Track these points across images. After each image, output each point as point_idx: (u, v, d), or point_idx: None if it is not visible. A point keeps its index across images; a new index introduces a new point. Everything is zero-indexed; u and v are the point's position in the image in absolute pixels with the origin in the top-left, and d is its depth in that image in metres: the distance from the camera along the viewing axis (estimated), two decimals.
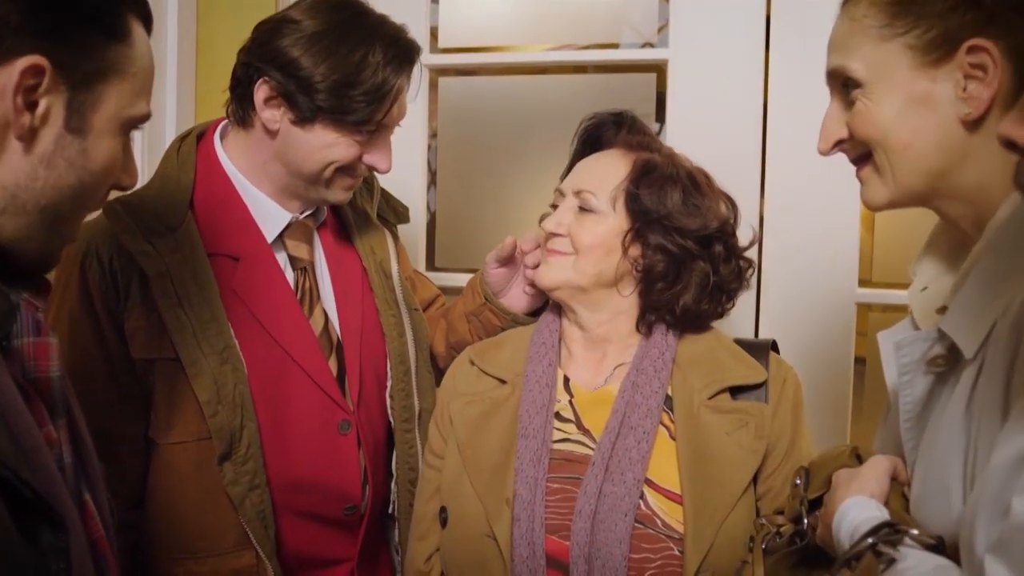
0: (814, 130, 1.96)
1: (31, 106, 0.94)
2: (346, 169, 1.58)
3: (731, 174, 1.99)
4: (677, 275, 1.50)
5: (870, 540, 1.06)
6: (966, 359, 1.08)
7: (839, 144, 1.23)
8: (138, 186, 1.17)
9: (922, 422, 1.17)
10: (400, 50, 1.53)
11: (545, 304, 1.69)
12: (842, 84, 1.20)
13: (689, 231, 1.50)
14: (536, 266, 1.64)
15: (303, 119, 1.52)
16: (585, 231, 1.50)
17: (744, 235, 1.60)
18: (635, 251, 1.51)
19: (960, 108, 1.10)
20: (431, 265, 2.44)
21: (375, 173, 1.84)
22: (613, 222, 1.51)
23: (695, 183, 1.54)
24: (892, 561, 1.05)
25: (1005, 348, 1.01)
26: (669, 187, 1.51)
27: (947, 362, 1.13)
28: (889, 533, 1.06)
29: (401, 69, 1.53)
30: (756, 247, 2.02)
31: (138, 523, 1.54)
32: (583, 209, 1.52)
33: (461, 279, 2.40)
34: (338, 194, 1.62)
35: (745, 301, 2.04)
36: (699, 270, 1.51)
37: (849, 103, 1.19)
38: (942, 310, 1.16)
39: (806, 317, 2.06)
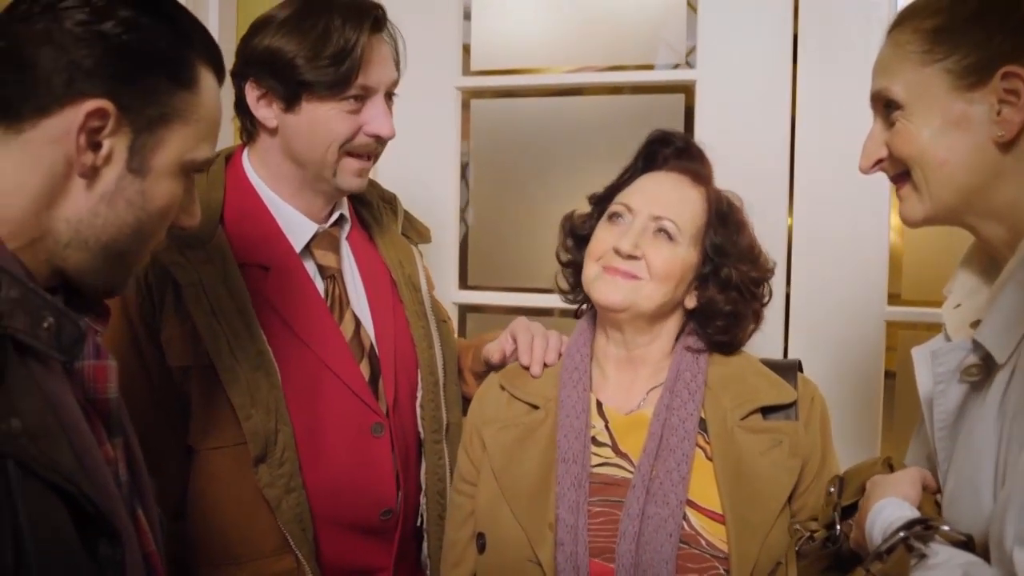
0: (842, 149, 2.01)
1: (95, 146, 0.99)
2: (350, 148, 1.62)
3: (759, 193, 2.02)
4: (737, 315, 1.55)
5: (902, 534, 1.11)
6: (998, 364, 1.14)
7: (879, 163, 1.29)
8: None
9: (955, 430, 1.22)
10: (355, 9, 1.58)
11: None
12: (884, 106, 1.27)
13: (751, 276, 1.56)
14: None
15: (290, 103, 1.58)
16: (664, 259, 1.50)
17: None
18: (698, 286, 1.55)
19: (994, 130, 1.17)
20: (464, 284, 2.47)
21: (398, 196, 1.89)
22: (687, 254, 1.52)
23: (750, 228, 1.60)
24: (923, 556, 1.09)
25: None
26: (740, 230, 1.57)
27: (980, 372, 1.18)
28: (921, 529, 1.11)
29: (359, 25, 1.56)
30: (785, 266, 2.06)
31: (180, 533, 1.57)
32: (660, 232, 1.52)
33: (493, 298, 2.45)
34: (350, 180, 1.65)
35: (774, 319, 2.06)
36: (755, 310, 1.58)
37: (890, 124, 1.26)
38: (975, 324, 1.22)
39: (835, 335, 2.07)
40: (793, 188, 2.11)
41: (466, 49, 2.43)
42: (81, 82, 0.97)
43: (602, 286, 1.52)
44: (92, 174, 1.00)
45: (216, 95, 1.12)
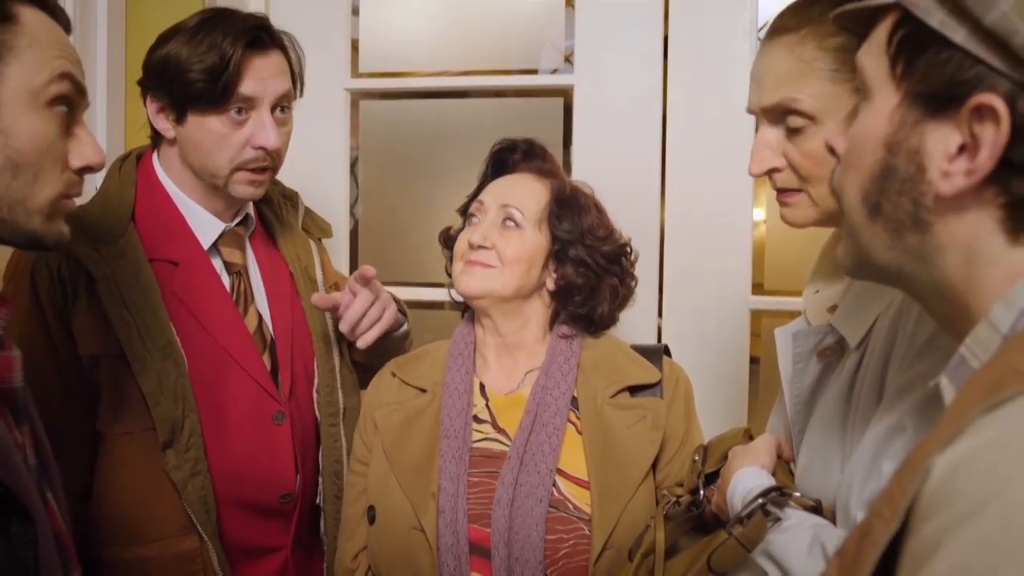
0: (709, 146, 2.15)
1: None
2: (240, 163, 1.67)
3: (634, 189, 2.15)
4: (592, 288, 1.68)
5: (760, 500, 1.21)
6: (850, 348, 1.24)
7: (773, 171, 1.28)
8: (82, 200, 1.21)
9: (810, 406, 1.32)
10: (239, 24, 1.64)
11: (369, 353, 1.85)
12: (782, 114, 1.25)
13: (601, 250, 1.69)
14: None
15: (179, 117, 1.65)
16: (511, 246, 1.65)
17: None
18: (555, 267, 1.68)
19: None
20: None
21: (299, 192, 1.96)
22: (535, 239, 1.67)
23: (599, 209, 1.73)
24: (778, 520, 1.20)
25: (885, 340, 1.17)
26: (585, 212, 1.70)
27: (834, 353, 1.29)
28: (777, 496, 1.22)
29: (237, 39, 1.61)
30: (658, 258, 2.20)
31: (85, 515, 1.61)
32: (507, 224, 1.66)
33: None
34: (242, 189, 1.70)
35: (648, 307, 2.18)
36: (610, 283, 1.70)
37: (791, 132, 1.24)
38: (832, 309, 1.32)
39: (704, 323, 2.20)
40: (665, 184, 2.21)
41: (355, 49, 2.46)
42: None
43: (463, 278, 1.67)
44: None
45: (46, 24, 1.12)
